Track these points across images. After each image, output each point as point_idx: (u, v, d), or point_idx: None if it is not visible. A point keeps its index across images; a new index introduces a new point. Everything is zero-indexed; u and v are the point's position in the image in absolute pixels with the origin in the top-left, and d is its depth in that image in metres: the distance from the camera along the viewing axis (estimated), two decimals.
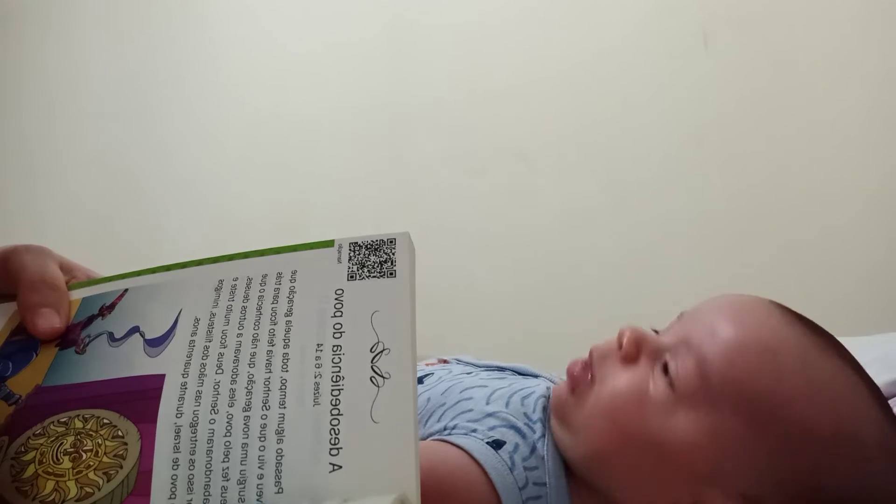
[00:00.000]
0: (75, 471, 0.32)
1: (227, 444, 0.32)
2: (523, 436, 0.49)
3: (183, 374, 0.34)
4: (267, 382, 0.33)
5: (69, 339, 0.37)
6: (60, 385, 0.35)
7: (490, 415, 0.50)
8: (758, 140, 1.41)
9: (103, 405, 0.34)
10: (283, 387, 0.33)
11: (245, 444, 0.32)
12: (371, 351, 0.34)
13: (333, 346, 0.34)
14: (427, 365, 0.62)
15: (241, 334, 0.35)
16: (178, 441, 0.32)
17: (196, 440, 0.32)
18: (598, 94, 1.50)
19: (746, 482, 0.44)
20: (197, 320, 0.36)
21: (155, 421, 0.33)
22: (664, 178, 1.43)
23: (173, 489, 0.31)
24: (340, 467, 0.31)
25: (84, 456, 0.32)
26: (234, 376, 0.33)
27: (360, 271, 0.36)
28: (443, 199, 1.52)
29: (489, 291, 1.46)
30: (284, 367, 0.33)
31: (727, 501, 0.44)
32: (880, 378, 0.75)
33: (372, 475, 0.31)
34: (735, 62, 1.44)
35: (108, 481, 0.32)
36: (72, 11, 1.78)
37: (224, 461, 0.32)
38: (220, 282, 0.37)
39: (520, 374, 0.60)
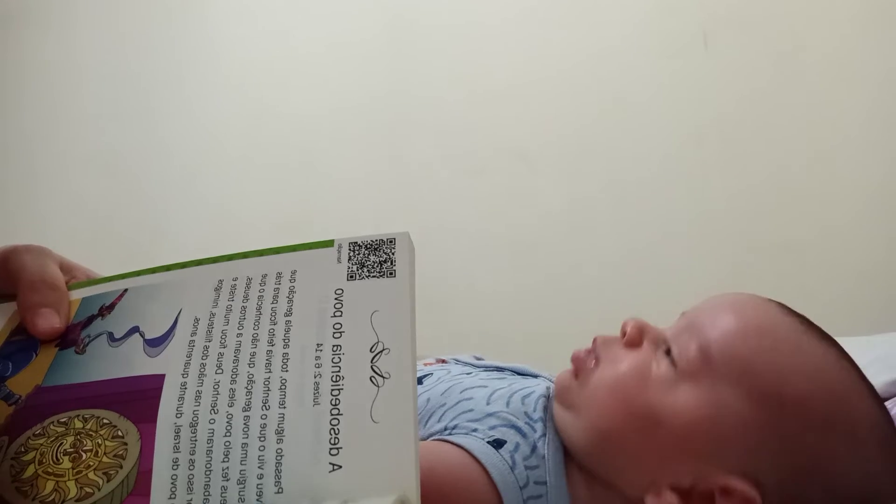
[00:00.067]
0: (75, 471, 0.32)
1: (227, 443, 0.32)
2: (524, 435, 0.49)
3: (183, 374, 0.34)
4: (267, 382, 0.33)
5: (69, 339, 0.37)
6: (60, 385, 0.35)
7: (491, 414, 0.51)
8: (758, 140, 1.41)
9: (103, 405, 0.34)
10: (283, 386, 0.33)
11: (245, 443, 0.32)
12: (371, 351, 0.34)
13: (333, 345, 0.34)
14: (425, 365, 0.62)
15: (240, 334, 0.35)
16: (177, 441, 0.32)
17: (196, 440, 0.32)
18: (598, 94, 1.50)
19: (746, 460, 0.45)
20: (197, 320, 0.36)
21: (155, 421, 0.33)
22: (664, 178, 1.43)
23: (173, 489, 0.31)
24: (340, 467, 0.31)
25: (84, 456, 0.32)
26: (234, 376, 0.33)
27: (360, 271, 0.36)
28: (443, 199, 1.52)
29: (489, 291, 1.46)
30: (284, 366, 0.34)
31: (727, 479, 0.44)
32: (880, 378, 0.75)
33: (372, 475, 0.31)
34: (735, 62, 1.45)
35: (108, 481, 0.32)
36: (72, 12, 1.78)
37: (224, 461, 0.32)
38: (220, 282, 0.37)
39: (519, 374, 0.60)
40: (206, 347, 0.35)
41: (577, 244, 1.44)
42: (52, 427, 0.33)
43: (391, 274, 0.36)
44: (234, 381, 0.33)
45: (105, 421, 0.33)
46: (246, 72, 1.68)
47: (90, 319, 0.37)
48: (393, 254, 0.37)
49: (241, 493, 0.31)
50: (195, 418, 0.32)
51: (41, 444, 0.33)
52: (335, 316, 0.35)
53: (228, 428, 0.32)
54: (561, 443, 0.50)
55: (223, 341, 0.35)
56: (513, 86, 1.54)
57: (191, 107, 1.69)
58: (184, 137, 1.68)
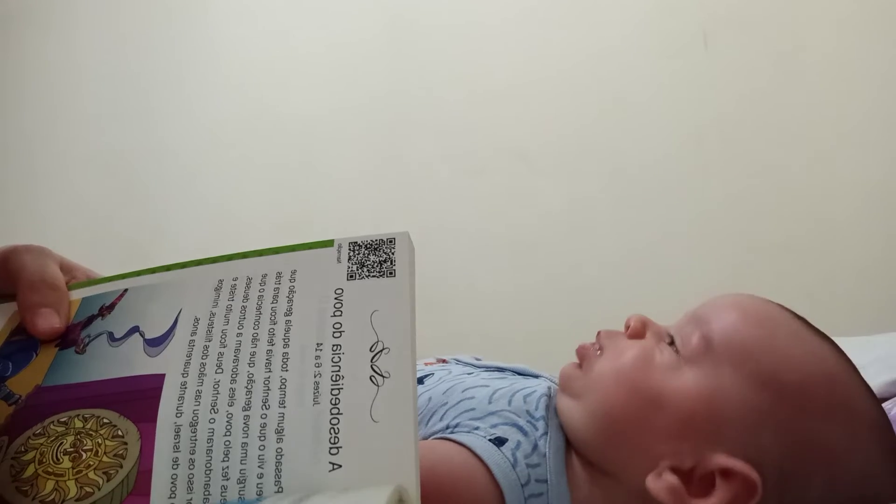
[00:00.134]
0: (75, 470, 0.32)
1: (227, 443, 0.32)
2: (525, 433, 0.49)
3: (183, 374, 0.34)
4: (267, 382, 0.33)
5: (69, 339, 0.37)
6: (60, 385, 0.35)
7: (492, 413, 0.51)
8: (758, 140, 1.41)
9: (103, 405, 0.34)
10: (283, 386, 0.33)
11: (245, 443, 0.32)
12: (371, 350, 0.34)
13: (333, 345, 0.34)
14: (426, 364, 0.62)
15: (240, 334, 0.35)
16: (177, 440, 0.32)
17: (196, 439, 0.32)
18: (598, 94, 1.50)
19: (746, 443, 0.45)
20: (197, 320, 0.36)
21: (155, 420, 0.33)
22: (664, 178, 1.43)
23: (173, 488, 0.31)
24: (340, 466, 0.31)
25: (84, 455, 0.32)
26: (234, 376, 0.34)
27: (360, 271, 0.36)
28: (443, 199, 1.52)
29: (489, 291, 1.46)
30: (284, 366, 0.34)
31: (728, 460, 0.44)
32: (880, 378, 0.75)
33: (371, 474, 0.31)
34: (735, 62, 1.45)
35: (108, 481, 0.32)
36: (73, 12, 1.78)
37: (224, 460, 0.32)
38: (220, 282, 0.37)
39: (520, 374, 0.60)
40: (206, 347, 0.35)
41: (577, 244, 1.44)
42: (52, 427, 0.33)
43: (391, 274, 0.36)
44: (234, 380, 0.33)
45: (105, 420, 0.33)
46: (246, 72, 1.68)
47: (90, 319, 0.37)
48: (393, 254, 0.37)
49: (241, 493, 0.31)
50: (195, 418, 0.32)
51: (41, 444, 0.33)
52: (335, 315, 0.35)
53: (228, 427, 0.32)
54: (562, 441, 0.50)
55: (223, 341, 0.35)
56: (513, 86, 1.54)
57: (191, 107, 1.69)
58: (184, 137, 1.68)
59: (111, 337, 0.36)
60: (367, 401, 0.32)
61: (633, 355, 0.50)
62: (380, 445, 0.31)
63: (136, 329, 0.36)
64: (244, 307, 0.36)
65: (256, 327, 0.35)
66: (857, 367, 0.49)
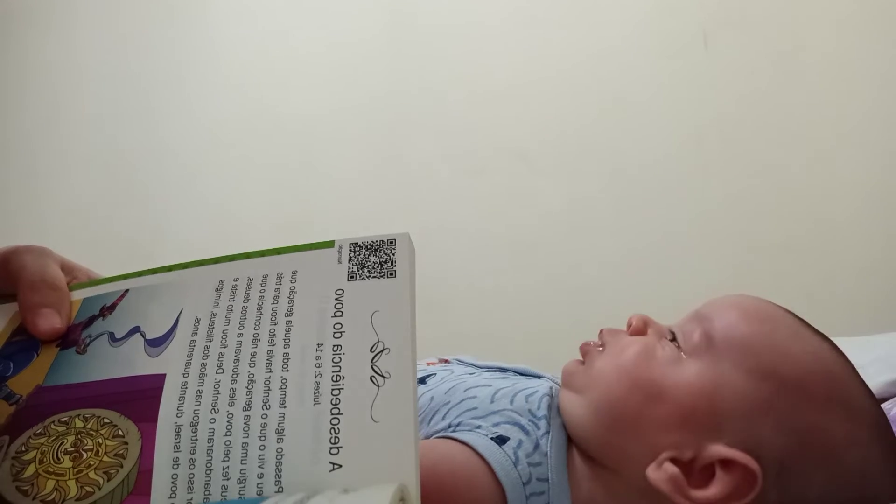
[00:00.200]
0: (76, 470, 0.32)
1: (228, 443, 0.32)
2: (527, 432, 0.50)
3: (183, 374, 0.34)
4: (267, 382, 0.33)
5: (70, 339, 0.37)
6: (61, 385, 0.35)
7: (494, 412, 0.51)
8: (758, 140, 1.41)
9: (104, 405, 0.34)
10: (284, 386, 0.33)
11: (245, 443, 0.32)
12: (371, 350, 0.34)
13: (334, 345, 0.34)
14: (428, 364, 0.62)
15: (241, 334, 0.35)
16: (178, 440, 0.32)
17: (196, 439, 0.32)
18: (598, 94, 1.50)
19: (747, 435, 0.45)
20: (197, 320, 0.36)
21: (155, 420, 0.33)
22: (664, 178, 1.44)
23: (173, 488, 0.31)
24: (340, 466, 0.31)
25: (84, 455, 0.32)
26: (235, 376, 0.34)
27: (361, 271, 0.36)
28: (443, 199, 1.52)
29: (489, 291, 1.46)
30: (285, 366, 0.34)
31: (728, 451, 0.45)
32: (880, 378, 0.75)
33: (372, 474, 0.31)
34: (735, 62, 1.45)
35: (109, 480, 0.32)
36: (73, 12, 1.78)
37: (224, 460, 0.32)
38: (221, 282, 0.37)
39: (522, 374, 0.60)
40: (207, 347, 0.35)
41: (577, 244, 1.44)
42: (52, 426, 0.33)
43: (391, 274, 0.36)
44: (234, 380, 0.33)
45: (106, 420, 0.33)
46: (246, 72, 1.68)
47: (91, 320, 0.38)
48: (393, 254, 0.37)
49: (242, 493, 0.31)
50: (196, 418, 0.32)
51: (42, 444, 0.33)
52: (335, 316, 0.35)
53: (229, 427, 0.32)
54: (564, 441, 0.51)
55: (224, 341, 0.35)
56: (513, 86, 1.54)
57: (191, 107, 1.69)
58: (184, 137, 1.68)
59: (112, 337, 0.36)
60: (367, 401, 0.32)
61: (635, 350, 0.51)
62: (380, 446, 0.31)
63: (136, 329, 0.36)
64: (245, 307, 0.36)
65: (257, 328, 0.35)
66: (857, 367, 0.50)
